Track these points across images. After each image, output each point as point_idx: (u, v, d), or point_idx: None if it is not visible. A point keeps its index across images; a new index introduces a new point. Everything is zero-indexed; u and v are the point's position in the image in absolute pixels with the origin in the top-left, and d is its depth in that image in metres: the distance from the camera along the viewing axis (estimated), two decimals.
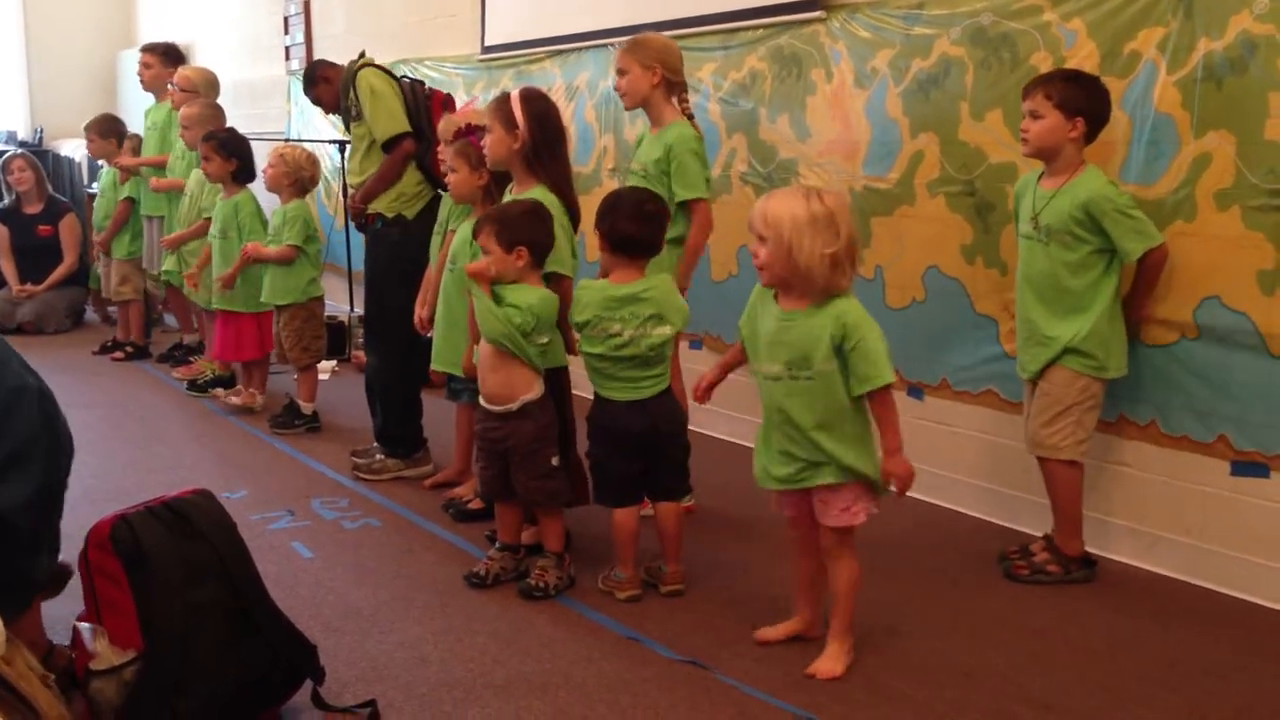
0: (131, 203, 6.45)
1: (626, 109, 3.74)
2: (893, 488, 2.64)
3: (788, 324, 2.58)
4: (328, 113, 5.37)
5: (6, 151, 7.96)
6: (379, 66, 4.37)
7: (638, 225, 2.98)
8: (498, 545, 3.25)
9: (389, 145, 4.22)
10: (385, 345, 4.27)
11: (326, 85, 4.86)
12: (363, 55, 4.45)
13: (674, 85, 3.61)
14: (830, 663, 2.67)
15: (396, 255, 4.23)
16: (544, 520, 3.19)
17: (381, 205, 4.25)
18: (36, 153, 8.44)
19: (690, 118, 3.64)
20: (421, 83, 4.52)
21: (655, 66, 3.54)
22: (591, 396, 3.10)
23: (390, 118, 4.21)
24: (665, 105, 3.60)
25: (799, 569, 2.84)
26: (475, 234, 3.13)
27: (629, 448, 3.03)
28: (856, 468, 2.60)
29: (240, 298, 5.10)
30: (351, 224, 4.76)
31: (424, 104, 4.34)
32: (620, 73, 3.60)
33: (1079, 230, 3.08)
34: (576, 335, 3.13)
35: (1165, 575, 3.27)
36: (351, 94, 4.31)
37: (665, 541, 3.13)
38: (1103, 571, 3.27)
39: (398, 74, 4.49)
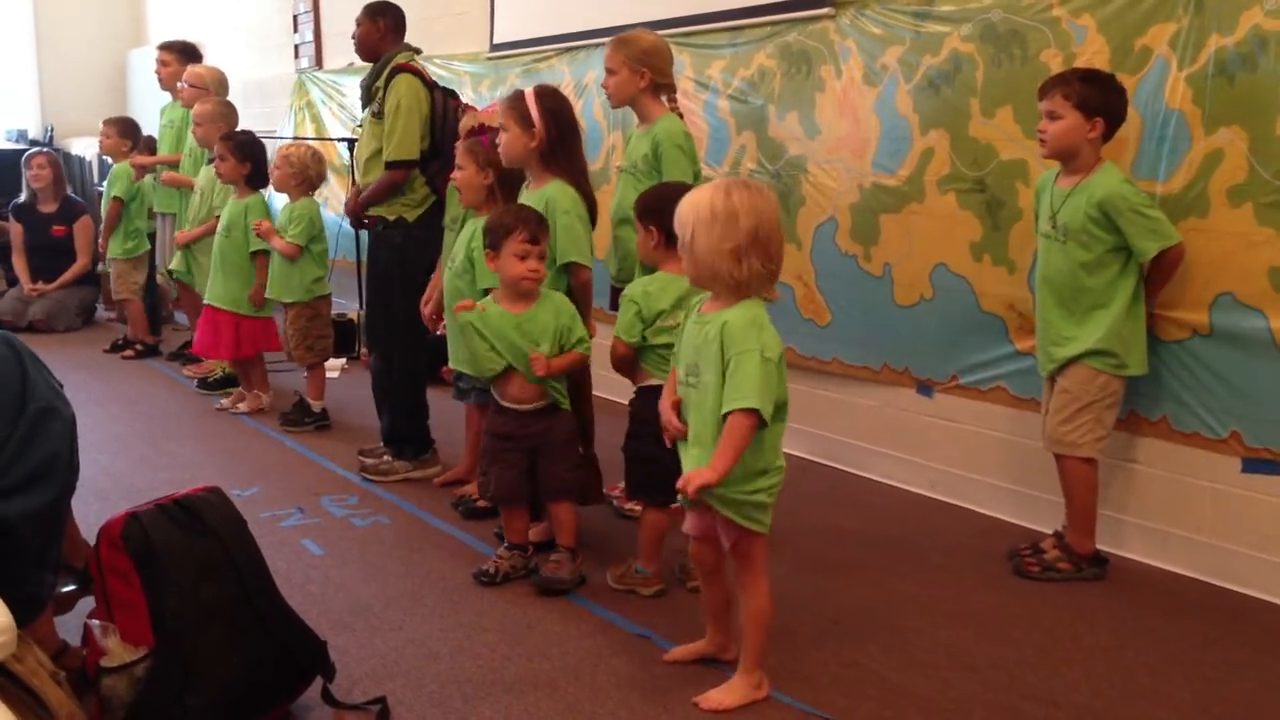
0: (120, 202, 6.47)
1: (613, 107, 3.73)
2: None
3: (696, 327, 2.47)
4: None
5: (17, 150, 8.00)
6: (418, 73, 4.20)
7: None
8: (506, 544, 3.26)
9: (392, 164, 4.13)
10: (389, 346, 4.27)
11: (371, 26, 4.35)
12: (408, 49, 4.28)
13: (662, 86, 3.58)
14: (721, 694, 2.50)
15: (398, 257, 4.20)
16: (559, 515, 3.19)
17: (383, 209, 4.21)
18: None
19: (680, 116, 3.62)
20: (455, 95, 4.37)
21: (643, 70, 3.52)
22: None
23: (401, 144, 4.08)
24: (653, 103, 3.58)
25: (704, 592, 2.72)
26: (535, 241, 3.07)
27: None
28: (725, 496, 2.41)
29: (230, 296, 5.10)
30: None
31: (452, 119, 4.18)
32: (609, 71, 3.57)
33: (1095, 229, 3.07)
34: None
35: (1175, 572, 3.27)
36: (380, 90, 4.19)
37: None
38: (1112, 568, 3.27)
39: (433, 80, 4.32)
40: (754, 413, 2.31)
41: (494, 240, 3.09)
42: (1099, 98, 3.06)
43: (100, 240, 6.69)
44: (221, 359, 5.29)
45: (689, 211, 2.39)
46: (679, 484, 2.39)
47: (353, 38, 4.47)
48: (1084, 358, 3.15)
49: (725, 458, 2.33)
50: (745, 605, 2.52)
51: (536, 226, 3.06)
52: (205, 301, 5.24)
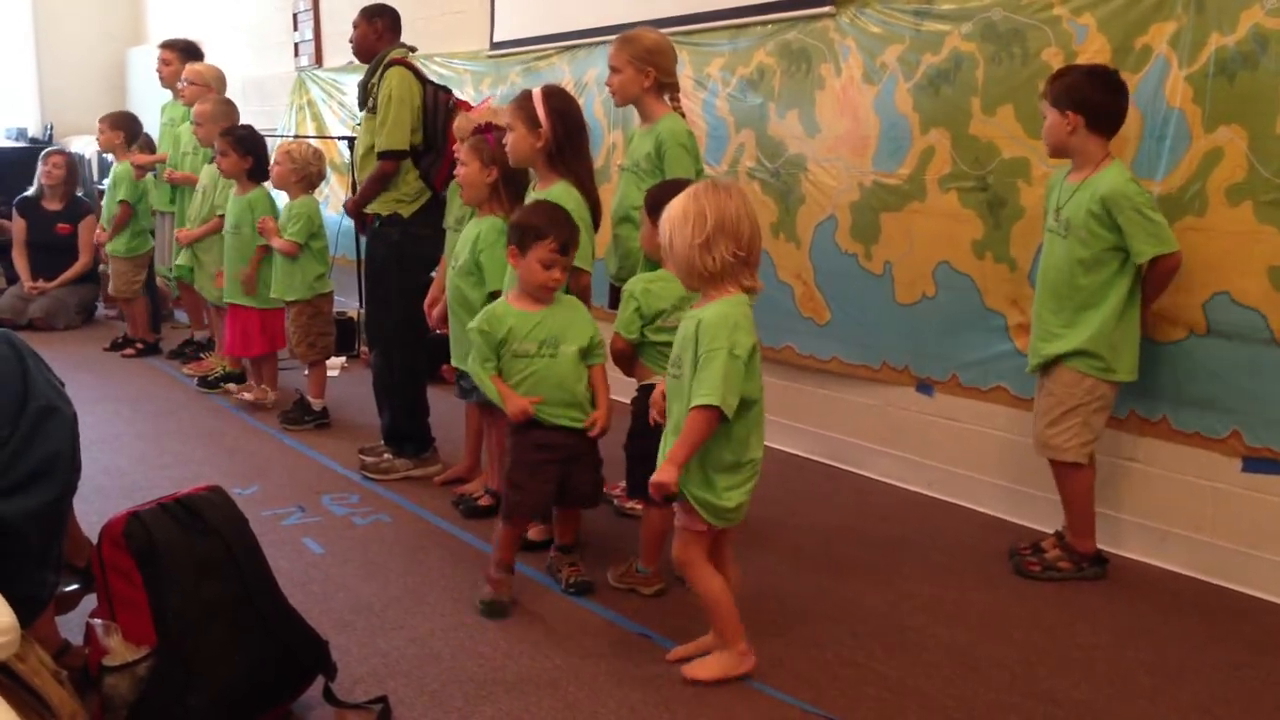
0: (128, 205, 6.46)
1: (616, 106, 3.73)
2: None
3: (685, 322, 2.59)
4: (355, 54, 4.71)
5: (16, 148, 8.00)
6: (410, 66, 4.22)
7: None
8: (502, 565, 3.08)
9: (382, 154, 4.14)
10: (389, 344, 4.26)
11: (368, 27, 4.40)
12: (403, 46, 4.31)
13: (665, 85, 3.58)
14: (699, 667, 2.63)
15: (395, 254, 4.20)
16: (573, 515, 3.22)
17: (378, 205, 4.21)
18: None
19: (682, 116, 3.62)
20: (448, 90, 4.37)
21: (648, 69, 3.50)
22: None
23: (391, 134, 4.10)
24: (656, 103, 3.56)
25: None
26: (564, 251, 3.01)
27: None
28: (685, 486, 2.55)
29: (248, 292, 5.11)
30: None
31: (444, 113, 4.19)
32: (613, 70, 3.55)
33: (1095, 225, 3.06)
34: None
35: (1175, 571, 3.27)
36: (374, 85, 4.21)
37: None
38: (1113, 567, 3.27)
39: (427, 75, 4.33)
40: (715, 409, 2.44)
41: (521, 240, 3.00)
42: (1072, 92, 3.06)
43: (103, 241, 6.67)
44: (256, 355, 5.28)
45: (666, 219, 2.54)
46: (652, 492, 2.53)
47: (350, 40, 4.48)
48: (1070, 358, 3.14)
49: (683, 450, 2.49)
50: (694, 590, 2.66)
51: (568, 236, 3.00)
52: (225, 301, 5.26)
